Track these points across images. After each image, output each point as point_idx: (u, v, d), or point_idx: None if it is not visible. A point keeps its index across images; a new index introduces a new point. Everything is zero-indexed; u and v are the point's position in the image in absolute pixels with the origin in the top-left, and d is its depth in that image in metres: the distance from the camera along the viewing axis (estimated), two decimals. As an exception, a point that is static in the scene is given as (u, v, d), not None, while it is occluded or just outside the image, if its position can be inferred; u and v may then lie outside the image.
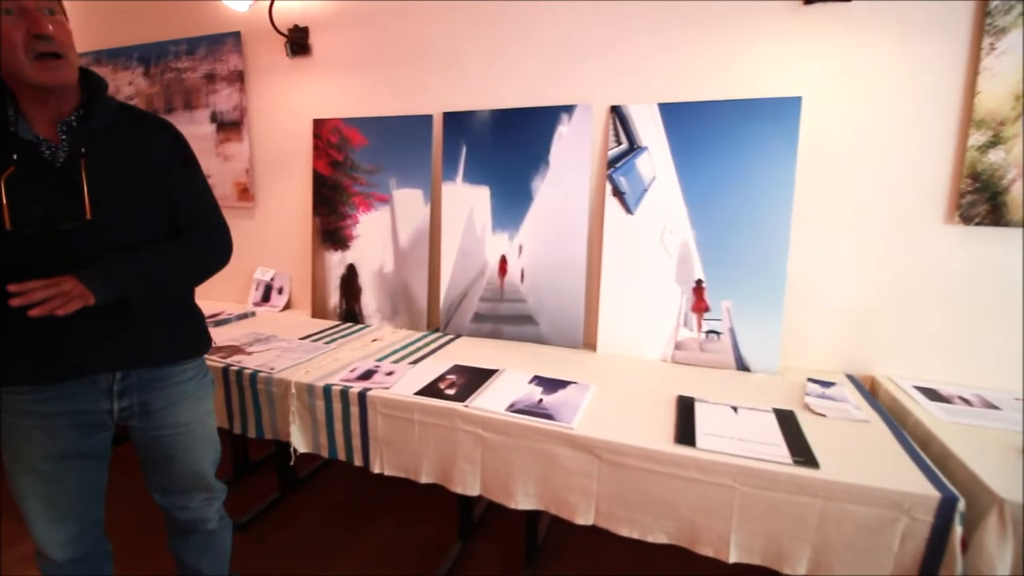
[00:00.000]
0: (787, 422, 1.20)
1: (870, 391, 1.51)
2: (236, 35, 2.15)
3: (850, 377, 1.51)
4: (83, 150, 1.01)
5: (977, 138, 1.36)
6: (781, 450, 1.07)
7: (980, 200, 1.38)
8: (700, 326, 1.61)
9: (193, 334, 1.20)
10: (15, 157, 0.96)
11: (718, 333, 1.59)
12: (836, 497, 0.98)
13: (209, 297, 2.45)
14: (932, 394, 1.37)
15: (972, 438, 1.14)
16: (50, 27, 0.95)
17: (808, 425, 1.19)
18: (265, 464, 2.20)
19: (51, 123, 1.01)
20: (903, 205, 1.45)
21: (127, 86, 2.42)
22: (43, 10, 0.96)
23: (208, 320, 1.99)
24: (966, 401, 1.33)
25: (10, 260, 0.95)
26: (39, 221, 0.96)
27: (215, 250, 1.18)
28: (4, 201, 0.93)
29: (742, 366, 1.56)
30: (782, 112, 1.50)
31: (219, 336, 1.81)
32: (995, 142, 1.35)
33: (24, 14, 0.93)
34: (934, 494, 0.94)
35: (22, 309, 0.90)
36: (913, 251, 1.46)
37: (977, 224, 1.39)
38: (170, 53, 2.28)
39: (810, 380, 1.43)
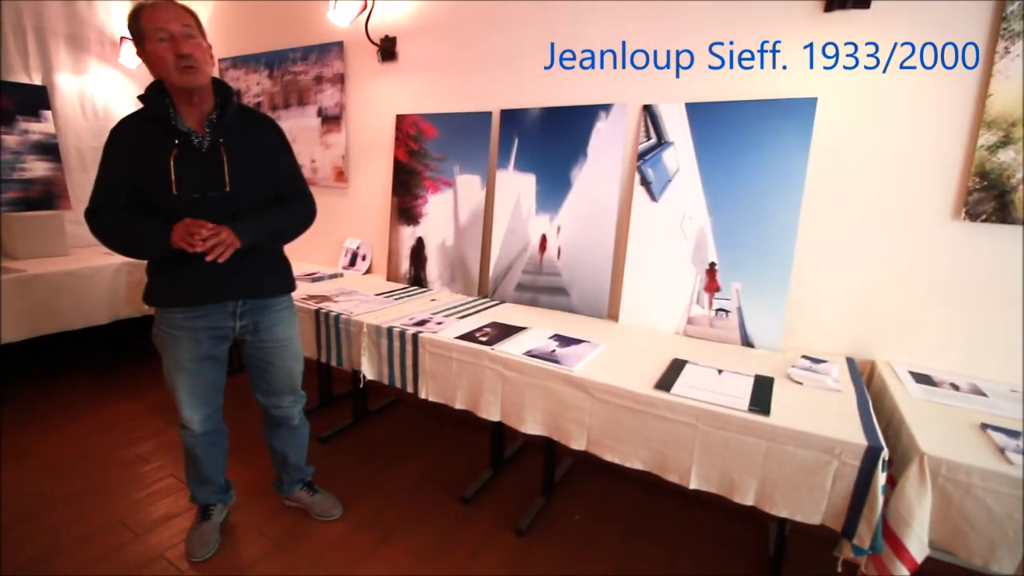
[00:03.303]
0: (762, 385, 1.38)
1: (868, 374, 1.63)
2: (340, 44, 2.59)
3: (849, 360, 1.63)
4: (221, 140, 1.41)
5: (988, 138, 1.42)
6: (742, 401, 1.27)
7: (987, 198, 1.44)
8: (711, 304, 1.79)
9: (286, 277, 1.63)
10: (176, 142, 1.36)
11: (727, 311, 1.76)
12: (779, 439, 1.18)
13: (309, 260, 2.97)
14: (924, 378, 1.47)
15: (935, 414, 1.25)
16: (187, 48, 1.30)
17: (782, 389, 1.36)
18: (343, 398, 2.67)
19: (198, 120, 1.41)
20: (912, 200, 1.54)
21: (255, 86, 2.97)
22: (185, 35, 1.30)
23: (307, 277, 2.50)
24: (955, 387, 1.41)
25: (175, 218, 1.32)
26: (194, 190, 1.37)
27: (307, 213, 1.60)
28: (173, 175, 1.35)
29: (747, 342, 1.72)
30: (798, 112, 1.63)
31: (315, 289, 2.27)
32: (1005, 142, 1.41)
33: (172, 40, 1.29)
34: (862, 442, 1.10)
35: (181, 255, 1.32)
36: (920, 244, 1.55)
37: (983, 221, 1.46)
38: (288, 59, 2.79)
39: (803, 357, 1.58)
